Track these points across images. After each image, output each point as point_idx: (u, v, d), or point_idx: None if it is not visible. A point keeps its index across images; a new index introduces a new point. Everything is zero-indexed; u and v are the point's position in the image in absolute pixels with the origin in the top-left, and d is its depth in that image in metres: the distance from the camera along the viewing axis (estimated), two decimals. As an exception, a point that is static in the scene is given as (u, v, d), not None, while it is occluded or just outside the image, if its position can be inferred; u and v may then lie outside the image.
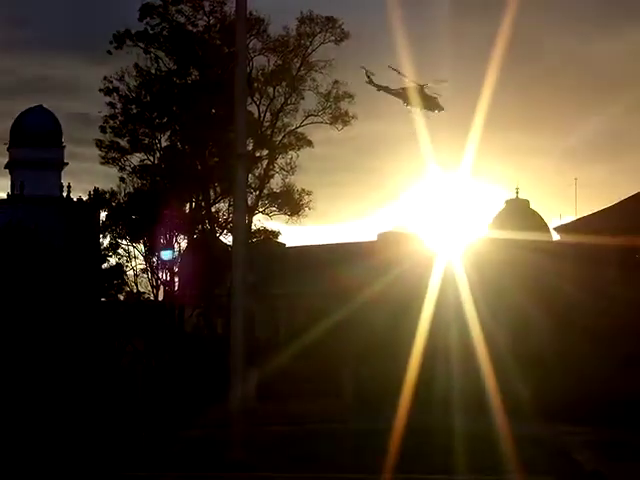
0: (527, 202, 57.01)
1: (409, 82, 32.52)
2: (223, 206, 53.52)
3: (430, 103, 33.30)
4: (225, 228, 52.62)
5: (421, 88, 32.97)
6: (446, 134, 53.46)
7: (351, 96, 52.87)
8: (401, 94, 33.42)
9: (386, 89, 34.54)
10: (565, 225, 49.42)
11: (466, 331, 41.08)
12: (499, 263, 45.51)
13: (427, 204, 57.78)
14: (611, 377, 38.85)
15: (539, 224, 55.14)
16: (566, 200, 55.25)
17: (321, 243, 63.72)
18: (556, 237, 50.10)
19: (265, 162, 53.62)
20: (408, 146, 55.40)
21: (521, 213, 55.67)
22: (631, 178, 76.51)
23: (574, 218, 50.43)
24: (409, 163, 62.75)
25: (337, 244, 60.84)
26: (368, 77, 35.38)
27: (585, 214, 49.30)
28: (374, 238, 57.52)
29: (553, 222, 53.92)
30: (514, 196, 57.41)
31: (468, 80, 60.59)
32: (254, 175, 52.14)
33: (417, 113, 33.78)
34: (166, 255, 51.67)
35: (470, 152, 46.60)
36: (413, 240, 52.97)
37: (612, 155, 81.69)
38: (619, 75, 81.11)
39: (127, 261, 54.70)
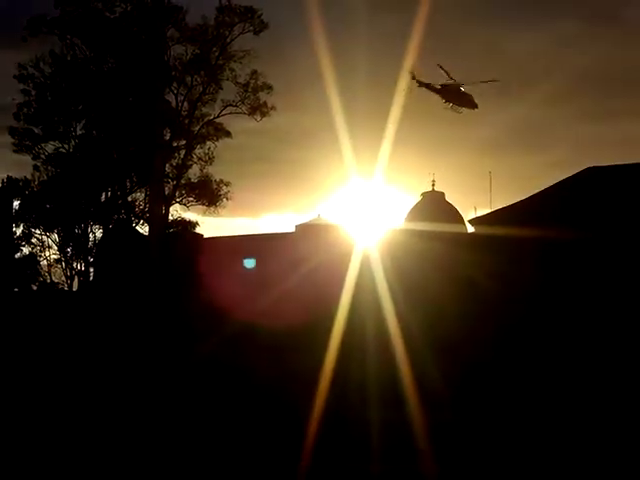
0: (443, 194, 57.71)
1: (451, 81, 33.34)
2: (140, 196, 53.03)
3: (466, 101, 33.96)
4: (142, 218, 52.11)
5: (458, 86, 33.75)
6: (364, 126, 54.00)
7: (270, 87, 53.00)
8: (441, 91, 34.12)
9: (428, 86, 35.13)
10: (479, 217, 50.13)
11: (383, 321, 41.49)
12: (415, 254, 46.03)
13: (346, 196, 58.13)
14: (530, 367, 39.80)
15: (454, 216, 55.90)
16: (482, 192, 56.20)
17: (239, 234, 63.48)
18: (471, 229, 50.80)
19: (183, 152, 53.18)
20: (327, 137, 55.69)
21: (437, 205, 56.34)
22: (546, 171, 78.31)
23: (489, 210, 51.25)
24: (328, 155, 63.09)
25: (256, 235, 60.66)
26: (412, 74, 35.80)
27: (500, 206, 50.11)
28: (292, 229, 57.58)
29: (469, 214, 54.70)
30: (430, 189, 58.02)
31: (384, 70, 61.22)
32: (171, 165, 51.68)
33: (455, 110, 34.53)
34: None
35: (387, 145, 47.14)
36: (332, 231, 53.22)
37: (527, 148, 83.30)
38: (534, 68, 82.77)
39: (40, 251, 53.83)
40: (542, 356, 41.68)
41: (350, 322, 40.77)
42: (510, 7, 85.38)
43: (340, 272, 43.91)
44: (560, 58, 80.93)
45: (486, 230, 47.51)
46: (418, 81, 35.64)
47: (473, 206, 54.06)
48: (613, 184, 46.27)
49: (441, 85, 32.89)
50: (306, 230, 55.33)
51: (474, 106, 34.27)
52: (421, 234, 49.57)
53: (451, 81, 32.44)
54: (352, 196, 56.09)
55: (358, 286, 43.75)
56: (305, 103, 64.39)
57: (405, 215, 57.38)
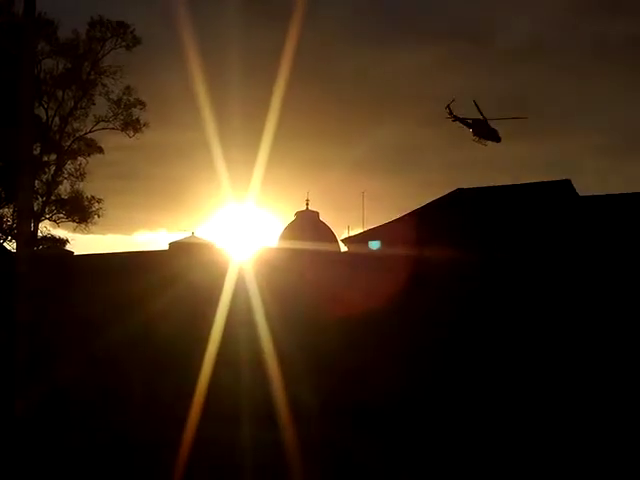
0: (317, 214, 58.27)
1: (480, 116, 35.55)
2: (7, 212, 51.58)
3: (492, 135, 35.39)
4: (9, 235, 50.68)
5: (486, 121, 35.22)
6: (239, 144, 54.08)
7: (143, 103, 52.67)
8: (473, 126, 35.74)
9: (462, 120, 36.60)
10: (352, 237, 50.83)
11: (257, 340, 41.44)
12: (289, 273, 46.26)
13: (220, 213, 57.98)
14: (403, 383, 40.39)
15: (328, 235, 56.50)
16: (355, 212, 56.98)
17: (111, 251, 62.36)
18: (344, 249, 51.43)
19: (53, 167, 52.11)
20: (201, 155, 55.51)
21: (311, 224, 56.84)
22: (418, 191, 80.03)
23: (362, 230, 52.04)
24: (202, 172, 62.86)
25: (128, 253, 59.71)
26: (449, 108, 36.89)
27: (373, 226, 50.98)
28: (166, 247, 56.97)
29: (342, 234, 55.41)
30: (304, 208, 58.52)
31: (257, 90, 61.53)
32: (41, 180, 50.62)
33: (481, 143, 36.41)
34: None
35: (262, 163, 47.36)
36: (206, 250, 52.90)
37: (400, 168, 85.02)
38: (407, 90, 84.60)
39: None
40: (415, 372, 42.44)
41: (224, 341, 40.55)
42: (381, 30, 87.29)
43: (214, 291, 43.65)
44: (431, 82, 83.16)
45: (359, 249, 48.19)
46: (454, 115, 36.71)
47: (347, 225, 54.78)
48: (481, 205, 47.76)
49: (472, 120, 34.14)
50: (180, 248, 54.84)
51: (498, 140, 35.95)
52: (295, 252, 49.88)
53: (481, 117, 34.41)
54: (226, 214, 56.06)
55: (232, 305, 43.60)
56: (179, 120, 64.18)
57: (279, 234, 57.69)
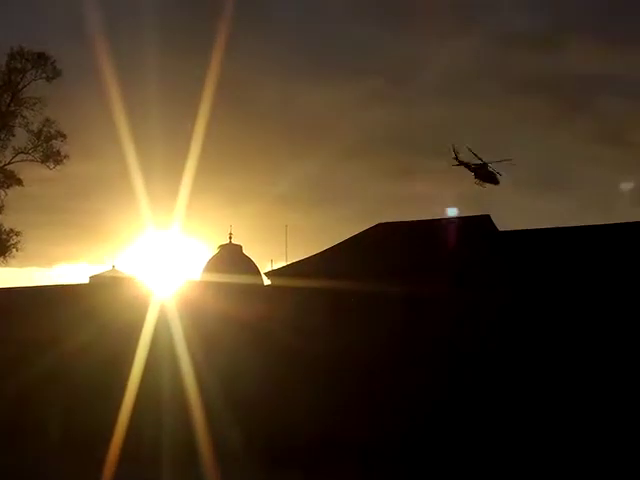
0: (240, 247, 58.16)
1: (479, 160, 39.09)
2: None
3: (492, 178, 39.37)
4: None
5: (486, 165, 39.09)
6: (160, 176, 53.76)
7: (63, 135, 51.85)
8: (475, 170, 39.28)
9: (466, 165, 39.83)
10: (275, 270, 50.86)
11: (179, 376, 41.08)
12: (212, 307, 46.04)
13: (142, 247, 57.46)
14: (326, 419, 40.45)
15: (251, 269, 56.41)
16: (278, 245, 57.03)
17: (30, 285, 61.27)
18: (267, 282, 51.39)
19: (-30, 199, 51.01)
20: (123, 188, 54.99)
21: (234, 258, 56.68)
22: (340, 224, 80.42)
23: (285, 263, 52.10)
24: (124, 205, 62.25)
25: (47, 286, 58.75)
26: (454, 153, 40.31)
27: (296, 259, 51.08)
28: (87, 281, 56.24)
29: (266, 267, 55.38)
30: (227, 241, 58.33)
31: (180, 122, 61.33)
32: (-43, 211, 49.51)
33: (480, 185, 40.08)
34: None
35: (184, 196, 47.15)
36: (127, 283, 52.38)
37: (323, 202, 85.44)
38: (330, 124, 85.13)
39: None
40: (340, 404, 42.56)
41: (146, 379, 40.08)
42: (304, 62, 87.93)
43: (135, 326, 43.19)
44: (355, 115, 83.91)
45: (282, 282, 48.24)
46: (459, 160, 40.05)
47: (270, 259, 54.80)
48: (401, 239, 48.29)
49: (474, 165, 38.21)
50: (100, 281, 54.21)
51: (497, 182, 39.54)
52: (218, 286, 49.66)
53: (480, 161, 38.11)
54: (148, 247, 55.58)
55: (154, 339, 43.19)
56: (101, 152, 63.49)
57: (203, 267, 57.36)
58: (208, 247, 60.05)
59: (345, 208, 78.77)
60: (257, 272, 55.96)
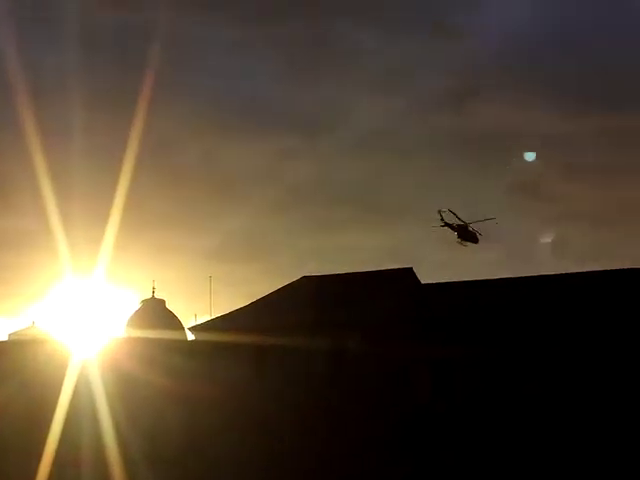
0: (163, 302, 57.59)
1: (461, 221, 41.74)
2: None
3: (471, 237, 41.67)
4: None
5: (467, 225, 41.71)
6: (83, 231, 53.24)
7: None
8: (458, 230, 41.68)
9: (450, 226, 42.33)
10: (199, 325, 50.47)
11: (100, 433, 40.33)
12: (134, 364, 45.42)
13: (63, 302, 56.47)
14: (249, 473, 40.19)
15: (175, 324, 55.82)
16: (203, 298, 56.68)
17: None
18: (191, 337, 50.95)
19: None
20: (44, 241, 54.31)
21: (157, 313, 56.07)
22: (266, 277, 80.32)
23: (209, 317, 51.77)
24: (46, 259, 61.36)
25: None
26: (440, 215, 42.98)
27: (221, 312, 50.86)
28: (5, 338, 54.97)
29: (190, 321, 54.88)
30: (150, 295, 57.73)
31: (104, 177, 61.00)
32: None
33: (462, 244, 42.29)
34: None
35: (107, 250, 46.71)
36: (47, 340, 51.34)
37: (248, 255, 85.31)
38: (255, 178, 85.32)
39: None
40: (264, 457, 42.29)
41: (65, 436, 39.25)
42: (227, 120, 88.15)
43: (56, 384, 42.34)
44: (277, 170, 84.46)
45: (206, 337, 47.93)
46: (444, 222, 42.62)
47: (194, 313, 54.36)
48: (326, 292, 48.51)
49: (458, 226, 40.76)
50: (19, 339, 53.05)
51: (477, 241, 41.87)
52: (141, 342, 49.00)
53: (462, 222, 40.80)
54: (70, 302, 54.67)
55: (75, 397, 42.38)
56: (22, 206, 62.59)
57: (126, 322, 56.57)
58: (132, 301, 59.28)
59: (270, 261, 78.96)
60: (181, 327, 55.37)
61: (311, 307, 46.84)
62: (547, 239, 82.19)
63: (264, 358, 45.98)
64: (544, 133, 75.98)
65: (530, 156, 73.05)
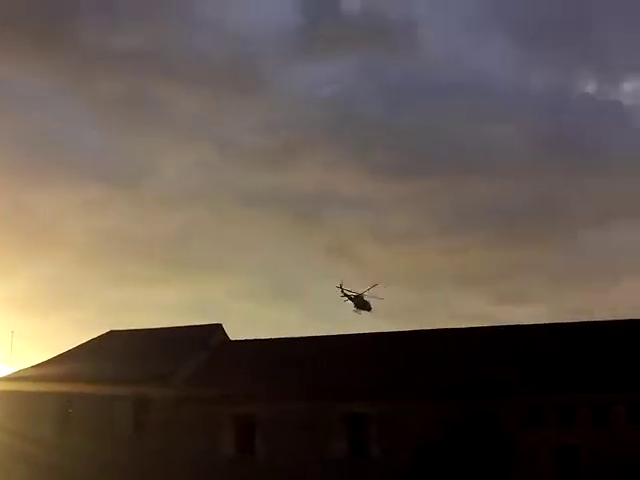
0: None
1: (353, 292, 46.55)
2: None
3: (366, 306, 46.01)
4: None
5: (362, 296, 46.03)
6: None
7: None
8: (354, 300, 45.99)
9: (349, 297, 46.56)
10: (1, 377, 49.16)
11: None
12: None
13: None
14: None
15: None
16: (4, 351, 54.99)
17: None
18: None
19: None
20: None
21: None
22: (72, 330, 78.13)
23: (11, 370, 50.49)
24: None
25: None
26: (341, 288, 46.70)
27: (24, 365, 49.73)
28: None
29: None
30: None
31: None
32: None
33: (357, 312, 46.58)
34: None
35: None
36: None
37: (53, 307, 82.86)
38: (59, 230, 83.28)
39: None
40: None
41: None
42: (33, 168, 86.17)
43: None
44: (87, 221, 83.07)
45: (7, 388, 46.86)
46: (344, 293, 46.71)
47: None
48: (132, 347, 48.51)
49: (354, 296, 45.70)
50: None
51: (370, 309, 46.30)
52: None
53: (354, 293, 45.93)
54: None
55: None
56: None
57: None
58: None
59: (76, 314, 77.13)
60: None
61: (117, 361, 46.74)
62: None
63: (67, 411, 45.42)
64: (356, 196, 78.82)
65: (342, 218, 76.03)
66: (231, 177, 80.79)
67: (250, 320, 70.24)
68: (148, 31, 78.92)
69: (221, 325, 49.77)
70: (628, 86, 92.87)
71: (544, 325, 45.20)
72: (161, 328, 50.27)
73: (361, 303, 46.48)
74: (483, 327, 46.84)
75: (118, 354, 47.95)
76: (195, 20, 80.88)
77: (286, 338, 48.40)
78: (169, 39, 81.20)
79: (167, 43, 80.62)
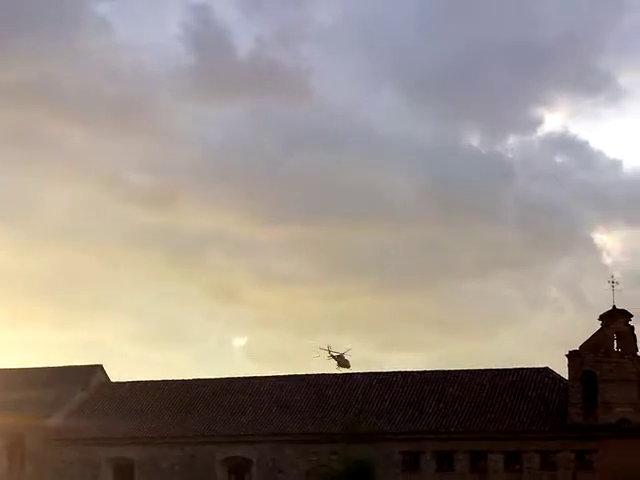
0: None
1: (335, 352, 50.35)
2: None
3: (346, 363, 49.91)
4: None
5: (342, 355, 50.08)
6: None
7: None
8: (337, 359, 49.65)
9: (334, 357, 50.18)
10: None
11: None
12: None
13: None
14: None
15: None
16: None
17: None
18: None
19: None
20: None
21: None
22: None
23: None
24: None
25: None
26: (328, 350, 50.44)
27: None
28: None
29: None
30: None
31: None
32: None
33: (338, 369, 50.00)
34: None
35: None
36: None
37: None
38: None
39: None
40: None
41: None
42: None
43: None
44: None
45: None
46: (331, 354, 50.06)
47: None
48: (8, 385, 47.23)
49: (338, 355, 49.25)
50: None
51: (349, 366, 50.35)
52: None
53: (337, 353, 49.81)
54: None
55: None
56: None
57: None
58: None
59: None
60: None
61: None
62: (240, 342, 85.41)
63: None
64: (240, 239, 78.77)
65: (226, 260, 75.99)
66: (116, 215, 79.25)
67: (135, 362, 69.24)
68: (37, 66, 77.54)
69: (101, 366, 48.87)
70: (512, 140, 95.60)
71: (422, 372, 45.96)
72: (39, 368, 49.00)
73: (342, 361, 50.62)
74: (362, 373, 47.75)
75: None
76: (87, 56, 79.99)
77: (168, 380, 47.98)
78: (59, 75, 79.69)
79: (56, 79, 79.06)
